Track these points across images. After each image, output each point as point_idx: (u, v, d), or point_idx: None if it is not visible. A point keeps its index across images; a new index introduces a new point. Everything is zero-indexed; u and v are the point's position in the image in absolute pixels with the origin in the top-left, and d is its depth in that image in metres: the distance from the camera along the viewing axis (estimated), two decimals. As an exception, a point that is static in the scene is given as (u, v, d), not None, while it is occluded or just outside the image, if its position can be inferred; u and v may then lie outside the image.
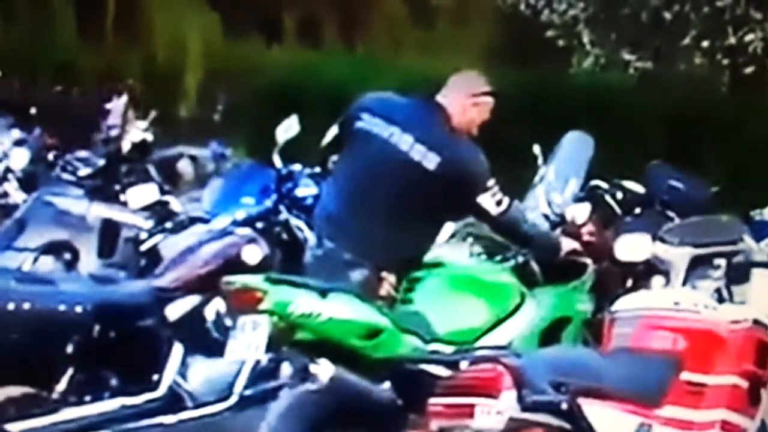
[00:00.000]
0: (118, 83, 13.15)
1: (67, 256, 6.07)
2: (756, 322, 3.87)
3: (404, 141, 4.74)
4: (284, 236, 6.14)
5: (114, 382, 4.96)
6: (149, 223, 6.24)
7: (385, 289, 4.70)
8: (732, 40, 11.77)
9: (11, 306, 4.65)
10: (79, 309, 4.78)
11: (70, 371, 4.79)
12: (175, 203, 6.53)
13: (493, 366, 3.42)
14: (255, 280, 4.20)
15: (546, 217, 5.27)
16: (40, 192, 7.17)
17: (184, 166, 10.01)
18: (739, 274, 4.42)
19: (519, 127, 9.36)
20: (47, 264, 5.98)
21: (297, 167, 6.56)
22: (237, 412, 5.07)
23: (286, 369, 4.17)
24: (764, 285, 4.29)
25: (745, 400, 3.73)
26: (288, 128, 6.44)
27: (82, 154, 8.56)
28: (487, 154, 4.76)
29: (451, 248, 5.14)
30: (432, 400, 3.50)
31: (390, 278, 4.72)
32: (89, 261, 6.20)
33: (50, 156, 8.91)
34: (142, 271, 5.83)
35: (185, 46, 18.51)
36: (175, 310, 5.09)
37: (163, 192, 6.73)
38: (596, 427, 3.42)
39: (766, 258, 4.69)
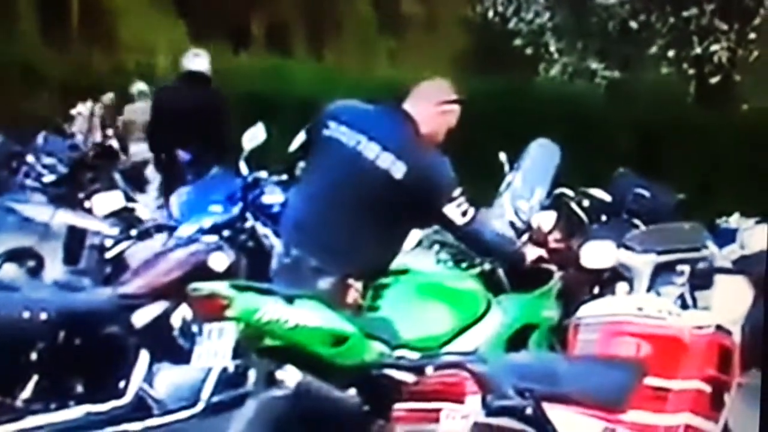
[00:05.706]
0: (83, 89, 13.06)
1: (32, 263, 6.01)
2: (719, 327, 3.91)
3: (371, 149, 4.74)
4: (251, 243, 6.13)
5: (80, 389, 4.91)
6: (115, 230, 6.21)
7: (352, 297, 4.69)
8: (698, 50, 11.88)
9: (-25, 313, 4.61)
10: (44, 316, 4.74)
11: (34, 378, 4.74)
12: (141, 210, 6.50)
13: (458, 371, 3.44)
14: (221, 288, 4.19)
15: (512, 224, 5.28)
16: (3, 199, 7.11)
17: (151, 173, 9.97)
18: (702, 280, 4.45)
19: (486, 135, 9.39)
20: (11, 271, 5.92)
21: (263, 174, 6.56)
22: (204, 419, 5.05)
23: (252, 375, 4.17)
24: (727, 291, 4.32)
25: (708, 404, 3.77)
26: (254, 136, 6.43)
27: (47, 160, 8.50)
28: (453, 161, 4.76)
29: (417, 256, 5.15)
30: (398, 406, 3.51)
31: (356, 285, 4.71)
32: (54, 268, 6.15)
33: (14, 162, 8.83)
34: (108, 278, 5.81)
35: (151, 52, 18.44)
36: (141, 317, 5.07)
37: (128, 199, 6.70)
38: (561, 431, 3.44)
39: (729, 264, 4.72)
